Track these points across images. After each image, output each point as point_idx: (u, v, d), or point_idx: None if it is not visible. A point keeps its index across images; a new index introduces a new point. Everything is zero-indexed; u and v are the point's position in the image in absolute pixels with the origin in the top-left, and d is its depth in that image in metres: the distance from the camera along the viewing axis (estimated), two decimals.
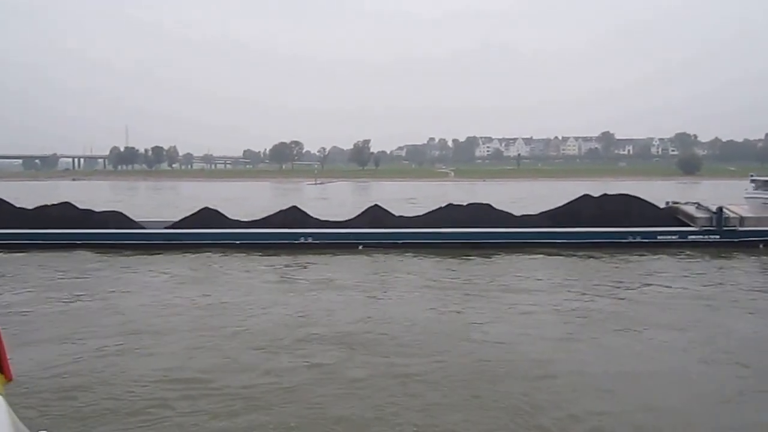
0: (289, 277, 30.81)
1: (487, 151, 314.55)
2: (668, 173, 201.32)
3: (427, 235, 40.44)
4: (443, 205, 44.06)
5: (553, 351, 18.55)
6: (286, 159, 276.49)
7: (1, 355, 5.93)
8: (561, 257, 36.18)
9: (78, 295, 26.59)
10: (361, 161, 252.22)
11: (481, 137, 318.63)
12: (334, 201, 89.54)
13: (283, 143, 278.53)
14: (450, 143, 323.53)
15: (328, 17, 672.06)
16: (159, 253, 37.75)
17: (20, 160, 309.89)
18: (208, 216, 42.56)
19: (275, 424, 13.55)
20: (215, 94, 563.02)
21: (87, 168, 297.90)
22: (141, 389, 15.52)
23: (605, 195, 43.58)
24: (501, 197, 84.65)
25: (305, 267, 33.42)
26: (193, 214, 42.88)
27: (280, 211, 43.05)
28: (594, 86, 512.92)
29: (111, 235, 40.71)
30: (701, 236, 39.97)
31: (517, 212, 43.65)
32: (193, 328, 21.15)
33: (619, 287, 27.93)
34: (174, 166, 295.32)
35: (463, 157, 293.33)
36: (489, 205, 43.24)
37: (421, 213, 44.38)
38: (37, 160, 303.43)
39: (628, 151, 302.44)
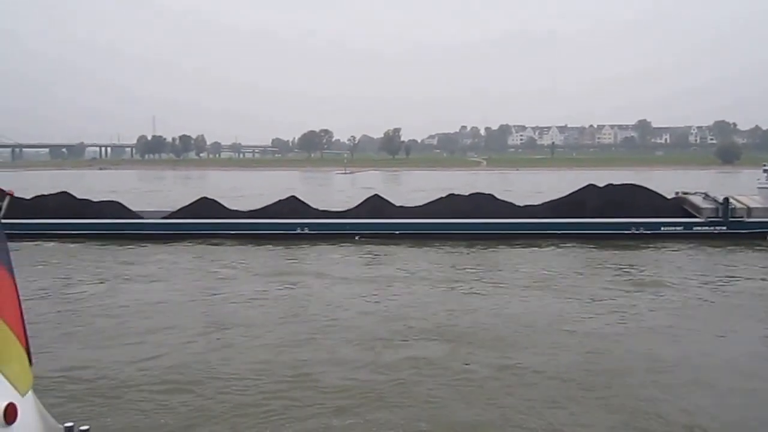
0: (364, 268, 31.03)
1: (521, 139, 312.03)
2: (706, 162, 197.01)
3: (427, 225, 40.74)
4: (444, 195, 44.27)
5: (659, 344, 18.32)
6: (315, 148, 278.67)
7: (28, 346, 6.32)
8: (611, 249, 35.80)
9: (151, 283, 27.34)
10: (392, 150, 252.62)
11: (514, 125, 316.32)
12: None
13: (312, 132, 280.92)
14: (482, 131, 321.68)
15: (357, 4, 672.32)
16: (218, 244, 38.36)
17: (47, 150, 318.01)
18: (206, 205, 43.54)
19: (400, 422, 13.19)
20: (244, 84, 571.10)
21: (114, 157, 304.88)
22: (249, 382, 15.43)
23: (610, 185, 43.35)
24: (532, 187, 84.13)
25: (376, 257, 33.84)
26: (191, 204, 43.90)
27: (279, 201, 43.79)
28: (631, 70, 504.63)
29: (109, 225, 41.94)
30: (707, 227, 39.60)
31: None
32: (282, 320, 21.12)
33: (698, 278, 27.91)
34: (202, 155, 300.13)
35: (495, 146, 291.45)
36: (491, 195, 43.36)
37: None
38: (63, 149, 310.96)
39: (665, 139, 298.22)
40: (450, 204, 42.45)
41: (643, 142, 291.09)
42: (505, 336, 19.17)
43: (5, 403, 6.73)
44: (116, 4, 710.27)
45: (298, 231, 40.53)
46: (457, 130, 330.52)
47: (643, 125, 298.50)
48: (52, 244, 38.30)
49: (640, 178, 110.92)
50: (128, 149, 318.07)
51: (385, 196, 44.65)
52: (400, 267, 30.88)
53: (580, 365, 16.50)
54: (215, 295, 25.11)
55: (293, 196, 44.27)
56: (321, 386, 15.14)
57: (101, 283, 27.74)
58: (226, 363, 16.84)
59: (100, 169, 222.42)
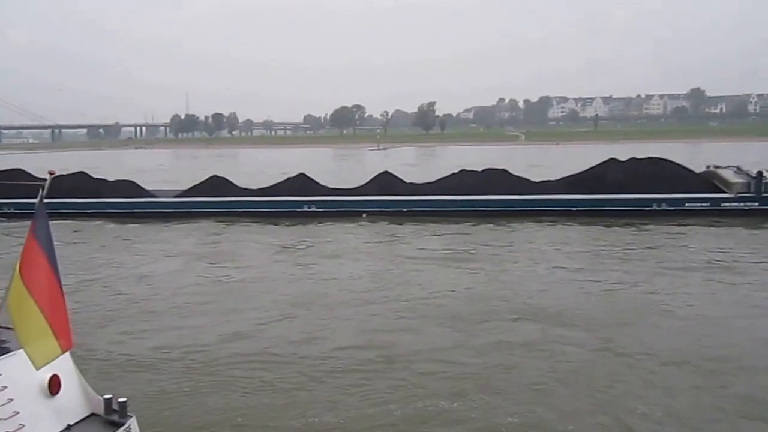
0: (430, 246, 30.76)
1: (562, 111, 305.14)
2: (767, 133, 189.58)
3: (437, 202, 40.60)
4: (456, 171, 43.95)
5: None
6: (347, 124, 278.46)
7: (63, 323, 6.95)
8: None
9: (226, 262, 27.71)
10: (426, 125, 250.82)
11: (554, 97, 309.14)
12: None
13: (344, 107, 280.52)
14: (521, 104, 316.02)
15: None
16: (275, 223, 38.52)
17: (84, 130, 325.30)
18: (216, 184, 44.27)
19: (514, 409, 12.90)
20: (274, 61, 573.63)
21: (148, 136, 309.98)
22: (342, 362, 15.51)
23: (633, 159, 42.14)
24: (572, 162, 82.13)
25: (436, 235, 33.79)
26: (202, 182, 44.70)
27: (288, 179, 44.20)
28: (680, 33, 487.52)
29: (123, 204, 42.99)
30: (737, 203, 38.10)
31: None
32: (365, 300, 21.00)
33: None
34: (234, 133, 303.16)
35: (534, 119, 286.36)
36: (505, 171, 42.92)
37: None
38: (100, 130, 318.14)
39: (721, 109, 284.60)
40: (462, 180, 42.19)
41: (695, 112, 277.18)
42: (599, 317, 18.83)
43: (50, 375, 7.64)
44: None
45: (305, 209, 40.91)
46: (495, 103, 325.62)
47: (696, 94, 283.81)
48: (111, 225, 39.45)
49: (690, 151, 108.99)
50: (162, 128, 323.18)
51: (399, 174, 44.68)
52: (468, 243, 30.58)
53: (690, 348, 16.10)
54: (294, 275, 25.26)
55: (302, 174, 44.62)
56: (418, 369, 15.02)
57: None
58: (318, 342, 16.92)
59: (136, 148, 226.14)
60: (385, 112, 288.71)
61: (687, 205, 38.46)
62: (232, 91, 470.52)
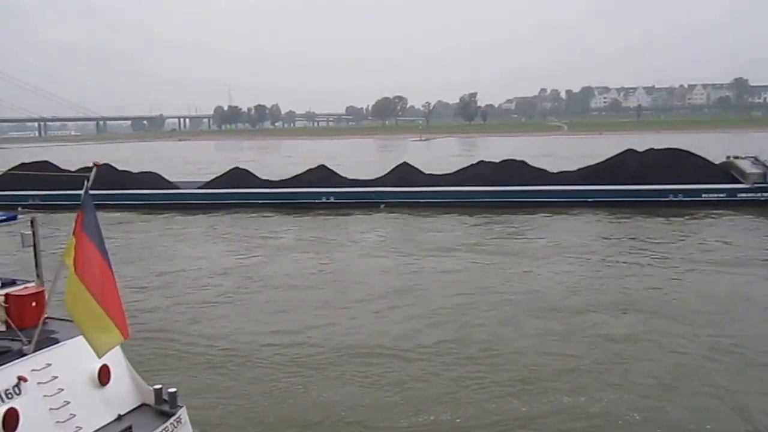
0: (497, 240, 30.42)
1: (604, 102, 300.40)
2: None
3: (455, 193, 40.91)
4: (474, 162, 44.14)
5: None
6: (389, 115, 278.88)
7: (119, 312, 7.39)
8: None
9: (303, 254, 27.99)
10: (468, 116, 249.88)
11: (597, 87, 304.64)
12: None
13: (386, 98, 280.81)
14: (563, 94, 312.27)
15: None
16: (347, 214, 38.92)
17: (129, 122, 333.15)
18: (238, 175, 45.40)
19: (638, 405, 12.53)
20: (316, 52, 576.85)
21: (192, 128, 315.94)
22: (450, 358, 15.30)
23: (651, 150, 41.89)
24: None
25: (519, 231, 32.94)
26: (224, 174, 45.87)
27: (309, 170, 45.02)
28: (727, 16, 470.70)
29: (147, 195, 44.44)
30: (753, 194, 37.71)
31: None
32: (457, 291, 20.93)
33: None
34: (276, 124, 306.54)
35: (577, 109, 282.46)
36: (523, 162, 42.97)
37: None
38: (144, 122, 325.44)
39: (765, 98, 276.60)
40: (480, 171, 42.39)
41: (739, 102, 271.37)
42: (700, 310, 18.53)
43: (99, 365, 8.14)
44: None
45: (323, 200, 41.66)
46: (536, 94, 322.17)
47: (739, 84, 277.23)
48: (182, 217, 40.19)
49: (732, 141, 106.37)
50: (205, 120, 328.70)
51: (416, 164, 45.06)
52: (547, 238, 30.12)
53: None
54: (387, 268, 25.22)
55: (323, 165, 45.43)
56: (529, 362, 14.80)
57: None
58: (419, 337, 16.75)
59: (179, 140, 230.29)
60: (426, 102, 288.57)
61: (703, 195, 38.23)
62: (275, 84, 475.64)
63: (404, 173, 43.57)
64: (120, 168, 48.00)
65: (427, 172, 44.35)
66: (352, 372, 14.46)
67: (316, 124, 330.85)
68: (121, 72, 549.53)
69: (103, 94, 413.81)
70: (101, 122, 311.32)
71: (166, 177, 47.74)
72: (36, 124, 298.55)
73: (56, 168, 47.49)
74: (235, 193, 43.48)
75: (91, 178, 7.70)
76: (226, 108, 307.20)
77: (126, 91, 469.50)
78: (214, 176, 46.92)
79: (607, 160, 42.27)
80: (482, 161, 44.12)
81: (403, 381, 13.91)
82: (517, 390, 13.27)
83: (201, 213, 40.72)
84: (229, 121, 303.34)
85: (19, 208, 41.19)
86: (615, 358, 15.03)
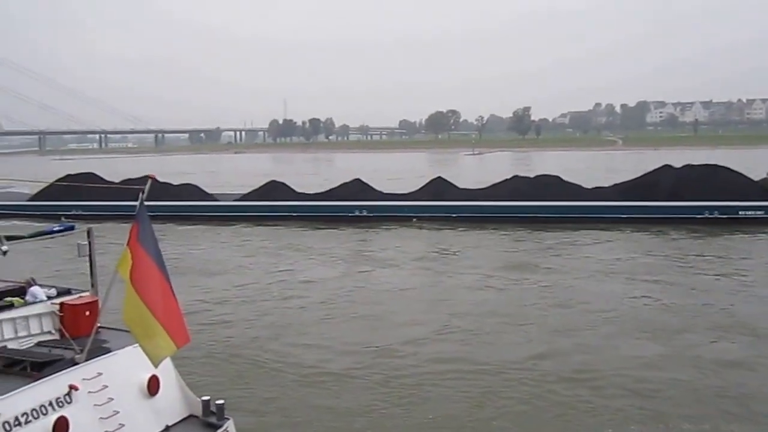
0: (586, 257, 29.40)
1: (660, 116, 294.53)
2: None
3: (489, 208, 40.75)
4: (508, 177, 43.96)
5: None
6: (442, 129, 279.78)
7: (175, 321, 7.60)
8: None
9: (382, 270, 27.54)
10: (522, 130, 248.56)
11: (652, 102, 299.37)
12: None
13: (439, 112, 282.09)
14: (618, 109, 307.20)
15: None
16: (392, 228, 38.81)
17: (186, 135, 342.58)
18: (274, 188, 46.39)
19: None
20: (371, 65, 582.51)
21: (247, 141, 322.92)
22: (542, 378, 14.85)
23: (688, 165, 41.06)
24: None
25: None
26: (260, 186, 46.93)
27: (343, 184, 45.60)
28: None
29: (187, 207, 45.71)
30: None
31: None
32: (542, 310, 20.48)
33: None
34: (330, 137, 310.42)
35: (632, 124, 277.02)
36: (558, 177, 42.66)
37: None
38: (201, 134, 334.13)
39: None
40: (514, 186, 42.24)
41: None
42: None
43: (149, 376, 8.41)
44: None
45: (356, 213, 42.09)
46: (591, 108, 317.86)
47: None
48: (222, 227, 41.17)
49: None
50: (261, 133, 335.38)
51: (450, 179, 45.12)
52: (593, 256, 29.49)
53: None
54: (439, 283, 25.01)
55: (358, 179, 45.94)
56: (637, 385, 14.28)
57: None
58: (511, 354, 16.38)
59: (235, 153, 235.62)
60: (480, 117, 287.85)
61: (740, 213, 37.07)
62: (330, 97, 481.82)
63: (438, 187, 43.73)
64: (161, 180, 49.45)
65: (461, 186, 44.39)
66: (452, 391, 14.15)
67: (369, 137, 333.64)
68: (180, 85, 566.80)
69: (161, 107, 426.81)
70: (159, 135, 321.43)
71: (205, 189, 49.02)
72: (97, 136, 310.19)
73: (101, 179, 49.40)
74: (271, 206, 44.32)
75: (146, 191, 7.88)
76: (281, 121, 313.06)
77: (184, 104, 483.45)
78: (251, 189, 47.93)
79: (642, 175, 41.67)
80: (517, 176, 43.97)
81: (509, 402, 13.57)
82: (633, 414, 12.83)
83: (239, 224, 41.70)
84: (283, 134, 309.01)
85: (62, 218, 42.91)
86: (729, 384, 14.24)
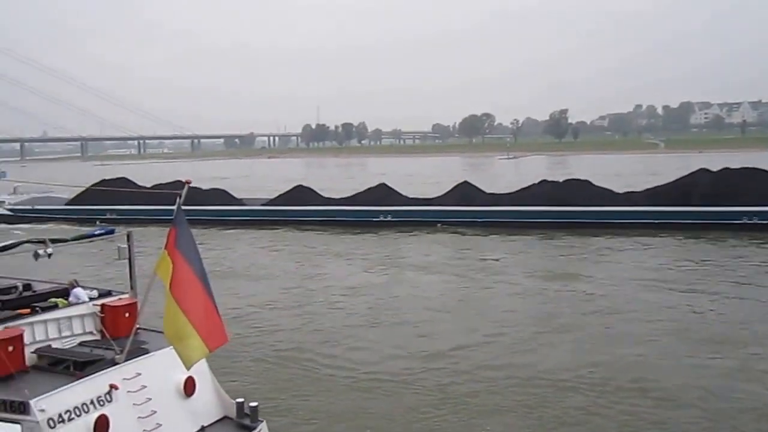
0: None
1: (705, 118, 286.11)
2: None
3: (515, 213, 40.37)
4: (536, 181, 43.50)
5: None
6: (476, 132, 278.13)
7: (209, 324, 7.78)
8: None
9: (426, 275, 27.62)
10: (558, 133, 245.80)
11: (697, 103, 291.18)
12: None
13: (473, 116, 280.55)
14: (660, 110, 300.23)
15: None
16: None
17: (221, 140, 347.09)
18: (301, 193, 46.70)
19: None
20: (404, 70, 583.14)
21: (281, 146, 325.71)
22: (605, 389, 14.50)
23: (726, 169, 39.91)
24: None
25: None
26: (287, 191, 47.28)
27: (369, 188, 45.68)
28: None
29: (215, 211, 46.31)
30: None
31: None
32: (599, 319, 20.10)
33: None
34: (363, 142, 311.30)
35: (675, 126, 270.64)
36: (587, 182, 42.06)
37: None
38: (236, 140, 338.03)
39: None
40: (542, 191, 41.75)
41: None
42: None
43: (186, 377, 8.62)
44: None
45: (381, 218, 42.09)
46: (631, 110, 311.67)
47: None
48: (253, 231, 41.81)
49: None
50: (294, 138, 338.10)
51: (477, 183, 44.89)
52: (633, 262, 29.08)
53: None
54: (480, 289, 24.81)
55: (383, 184, 46.00)
56: (708, 400, 13.82)
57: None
58: (570, 366, 15.99)
59: (269, 157, 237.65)
60: (515, 120, 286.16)
61: None
62: (362, 102, 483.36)
63: (464, 192, 43.48)
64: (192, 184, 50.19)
65: (488, 191, 44.07)
66: (508, 400, 13.95)
67: (402, 141, 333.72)
68: (214, 91, 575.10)
69: (197, 112, 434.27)
70: (195, 140, 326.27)
71: (233, 193, 49.57)
72: (135, 142, 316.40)
73: (134, 184, 50.38)
74: (298, 210, 44.66)
75: (183, 196, 8.10)
76: (314, 126, 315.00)
77: (219, 110, 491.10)
78: (278, 194, 48.35)
79: (676, 180, 40.71)
80: (545, 180, 43.45)
81: (567, 412, 13.28)
82: (706, 428, 12.54)
83: (267, 228, 42.20)
84: (316, 138, 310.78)
85: (97, 222, 43.90)
86: None
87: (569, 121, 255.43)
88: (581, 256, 31.25)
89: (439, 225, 40.56)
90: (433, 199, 44.16)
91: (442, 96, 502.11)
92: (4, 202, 53.75)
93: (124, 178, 52.10)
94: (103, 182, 52.89)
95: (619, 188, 43.17)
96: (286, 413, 13.32)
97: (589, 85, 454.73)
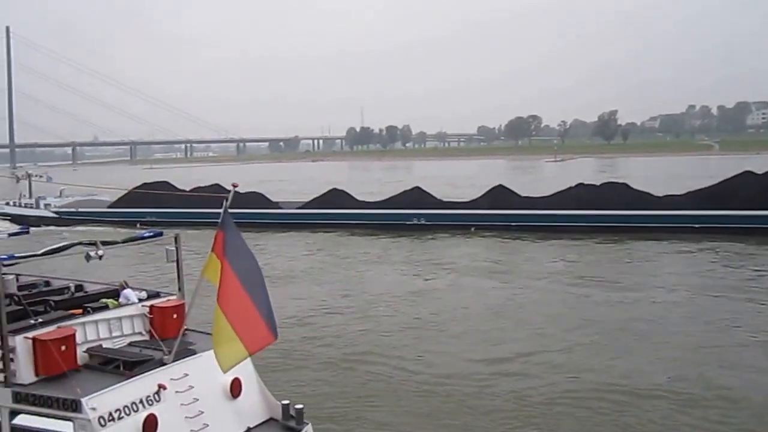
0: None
1: (763, 118, 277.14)
2: None
3: (551, 217, 40.10)
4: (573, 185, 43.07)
5: None
6: (522, 134, 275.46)
7: (251, 328, 7.84)
8: None
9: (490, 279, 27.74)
10: (607, 135, 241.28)
11: (754, 102, 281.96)
12: None
13: (519, 118, 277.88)
14: (714, 111, 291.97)
15: None
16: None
17: (266, 144, 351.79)
18: (336, 196, 47.22)
19: None
20: (450, 71, 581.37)
21: (325, 149, 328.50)
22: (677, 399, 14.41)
23: None
24: None
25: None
26: (323, 195, 47.89)
27: (404, 192, 45.93)
28: None
29: (252, 214, 47.10)
30: None
31: None
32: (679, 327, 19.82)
33: None
34: (407, 145, 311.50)
35: (730, 127, 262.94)
36: (625, 185, 41.51)
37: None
38: (281, 143, 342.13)
39: None
40: (579, 194, 41.33)
41: None
42: None
43: (232, 378, 8.87)
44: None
45: (414, 221, 42.25)
46: (684, 110, 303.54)
47: None
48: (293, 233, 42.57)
49: None
50: (338, 141, 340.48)
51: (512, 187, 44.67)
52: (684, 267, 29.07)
53: None
54: (540, 295, 24.70)
55: (417, 187, 46.17)
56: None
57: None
58: (644, 373, 15.90)
59: (312, 161, 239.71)
60: (562, 121, 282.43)
61: None
62: (406, 103, 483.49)
63: (499, 195, 43.33)
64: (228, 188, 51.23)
65: (523, 194, 43.83)
66: (587, 411, 13.77)
67: (447, 144, 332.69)
68: (260, 94, 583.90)
69: (244, 117, 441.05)
70: (240, 144, 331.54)
71: (269, 197, 50.39)
72: (182, 145, 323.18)
73: (174, 188, 51.73)
74: (332, 214, 45.21)
75: (230, 199, 8.35)
76: (358, 129, 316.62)
77: (264, 114, 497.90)
78: (313, 197, 48.97)
79: (719, 183, 39.81)
80: (581, 183, 43.01)
81: (652, 428, 13.12)
82: None
83: (303, 231, 43.14)
84: (360, 141, 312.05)
85: (138, 225, 45.17)
86: None
87: (619, 122, 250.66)
88: (625, 261, 31.23)
89: (473, 229, 40.53)
90: (467, 202, 44.13)
91: (490, 89, 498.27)
92: (50, 204, 55.81)
93: (164, 182, 53.49)
94: (144, 185, 54.40)
95: (679, 190, 42.20)
96: (355, 420, 13.64)
97: (642, 86, 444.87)
